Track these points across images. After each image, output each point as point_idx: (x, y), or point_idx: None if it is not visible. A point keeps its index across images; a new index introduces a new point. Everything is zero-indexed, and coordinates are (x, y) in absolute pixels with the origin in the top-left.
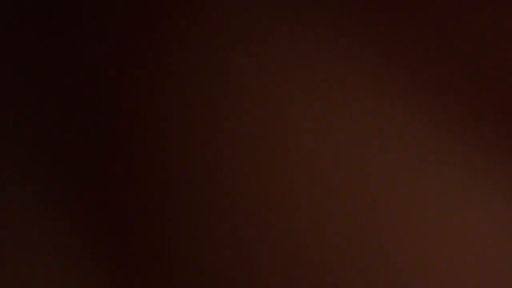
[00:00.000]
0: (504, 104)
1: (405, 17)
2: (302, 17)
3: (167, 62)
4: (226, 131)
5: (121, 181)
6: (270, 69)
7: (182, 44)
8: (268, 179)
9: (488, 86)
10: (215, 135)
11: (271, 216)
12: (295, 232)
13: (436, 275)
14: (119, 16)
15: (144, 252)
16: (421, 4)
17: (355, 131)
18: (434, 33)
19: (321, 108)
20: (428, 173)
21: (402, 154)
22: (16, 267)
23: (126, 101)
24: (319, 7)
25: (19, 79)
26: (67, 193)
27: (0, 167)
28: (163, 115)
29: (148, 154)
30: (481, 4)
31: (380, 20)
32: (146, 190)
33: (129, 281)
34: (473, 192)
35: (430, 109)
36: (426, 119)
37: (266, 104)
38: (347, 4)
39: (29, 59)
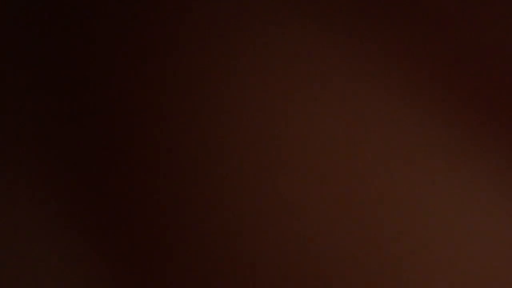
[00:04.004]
0: None
1: (408, 15)
2: (302, 17)
3: (168, 62)
4: (226, 131)
5: (122, 180)
6: (270, 69)
7: (184, 44)
8: (269, 179)
9: (494, 86)
10: (216, 135)
11: (272, 217)
12: (294, 235)
13: (444, 278)
14: (122, 15)
15: (145, 252)
16: (423, 3)
17: (358, 131)
18: (439, 31)
19: (323, 108)
20: (434, 174)
21: (407, 155)
22: (16, 267)
23: (127, 99)
24: (319, 5)
25: (20, 78)
26: (68, 191)
27: (1, 167)
28: (163, 114)
29: (148, 153)
30: (482, 2)
31: (382, 18)
32: (148, 191)
33: (129, 279)
34: (481, 194)
35: (437, 109)
36: (432, 119)
37: (267, 104)
38: (346, 1)
39: (29, 58)
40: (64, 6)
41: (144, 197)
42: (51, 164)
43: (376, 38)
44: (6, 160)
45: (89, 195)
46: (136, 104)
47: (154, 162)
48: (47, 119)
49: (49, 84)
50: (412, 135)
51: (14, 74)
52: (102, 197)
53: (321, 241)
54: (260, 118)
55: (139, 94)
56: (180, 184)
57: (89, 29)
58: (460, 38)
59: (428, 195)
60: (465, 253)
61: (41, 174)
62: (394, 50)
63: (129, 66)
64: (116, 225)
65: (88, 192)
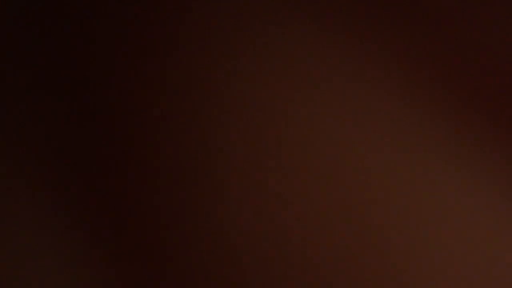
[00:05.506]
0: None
1: (408, 15)
2: (302, 17)
3: (168, 62)
4: (226, 131)
5: (122, 180)
6: (270, 69)
7: (184, 44)
8: (269, 179)
9: (494, 86)
10: (216, 135)
11: (272, 217)
12: (294, 235)
13: (444, 278)
14: (122, 15)
15: (145, 252)
16: (423, 3)
17: (359, 131)
18: (439, 31)
19: (323, 108)
20: (435, 174)
21: (407, 155)
22: (16, 267)
23: (127, 99)
24: (319, 5)
25: (20, 78)
26: (68, 191)
27: (1, 167)
28: (163, 114)
29: (148, 153)
30: (482, 2)
31: (382, 18)
32: (148, 191)
33: (129, 279)
34: (481, 194)
35: (437, 109)
36: (432, 119)
37: (267, 104)
38: (346, 1)
39: (29, 58)
40: (64, 6)
41: (144, 197)
42: (51, 164)
43: (376, 38)
44: (6, 160)
45: (89, 195)
46: (136, 104)
47: (154, 162)
48: (47, 119)
49: (49, 84)
50: (412, 135)
51: (14, 74)
52: (102, 197)
53: (321, 241)
54: (260, 118)
55: (139, 94)
56: (180, 184)
57: (89, 29)
58: (460, 38)
59: (428, 195)
60: (465, 253)
61: (41, 174)
62: (394, 50)
63: (129, 66)
64: (117, 225)
65: (88, 192)
